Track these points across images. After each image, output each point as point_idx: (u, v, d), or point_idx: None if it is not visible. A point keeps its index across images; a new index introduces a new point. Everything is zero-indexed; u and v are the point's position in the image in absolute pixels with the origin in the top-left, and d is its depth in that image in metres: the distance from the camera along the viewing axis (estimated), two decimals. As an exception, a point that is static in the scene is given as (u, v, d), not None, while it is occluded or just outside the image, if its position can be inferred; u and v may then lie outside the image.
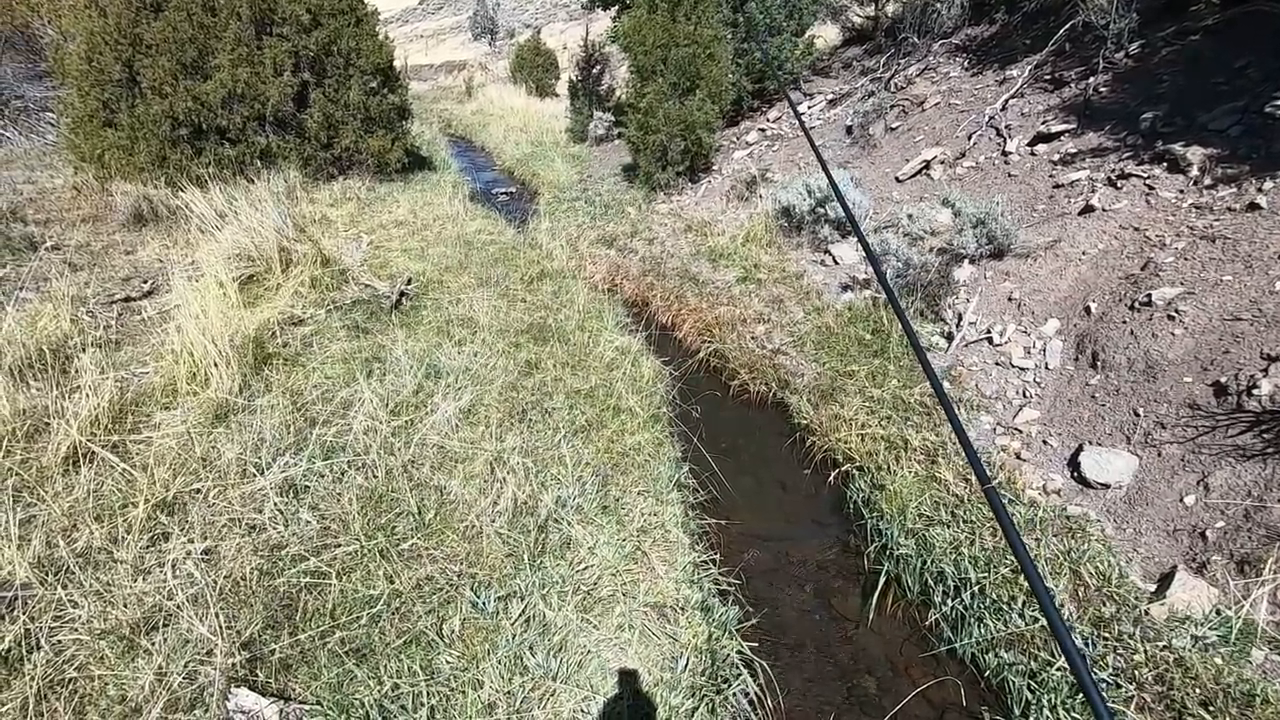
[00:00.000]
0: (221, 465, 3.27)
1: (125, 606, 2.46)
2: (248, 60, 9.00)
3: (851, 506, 3.84)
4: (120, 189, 7.86)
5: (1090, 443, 3.79)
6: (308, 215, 7.72)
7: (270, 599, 2.56)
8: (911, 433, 4.17)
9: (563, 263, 7.09)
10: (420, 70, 37.88)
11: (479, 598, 2.60)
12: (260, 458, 3.36)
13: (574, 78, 15.14)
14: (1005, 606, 2.93)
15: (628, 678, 2.41)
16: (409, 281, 5.91)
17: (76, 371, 3.88)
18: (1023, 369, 4.54)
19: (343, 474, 3.31)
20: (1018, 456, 3.93)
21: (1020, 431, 4.11)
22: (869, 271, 6.10)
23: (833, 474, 4.12)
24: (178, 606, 2.44)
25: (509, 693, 2.31)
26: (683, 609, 2.76)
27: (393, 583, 2.65)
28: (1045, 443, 3.97)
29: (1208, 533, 3.09)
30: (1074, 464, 3.75)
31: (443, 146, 14.93)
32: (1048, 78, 7.25)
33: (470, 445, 3.60)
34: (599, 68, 15.34)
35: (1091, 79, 6.65)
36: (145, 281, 5.77)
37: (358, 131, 9.82)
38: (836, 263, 6.69)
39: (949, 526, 3.40)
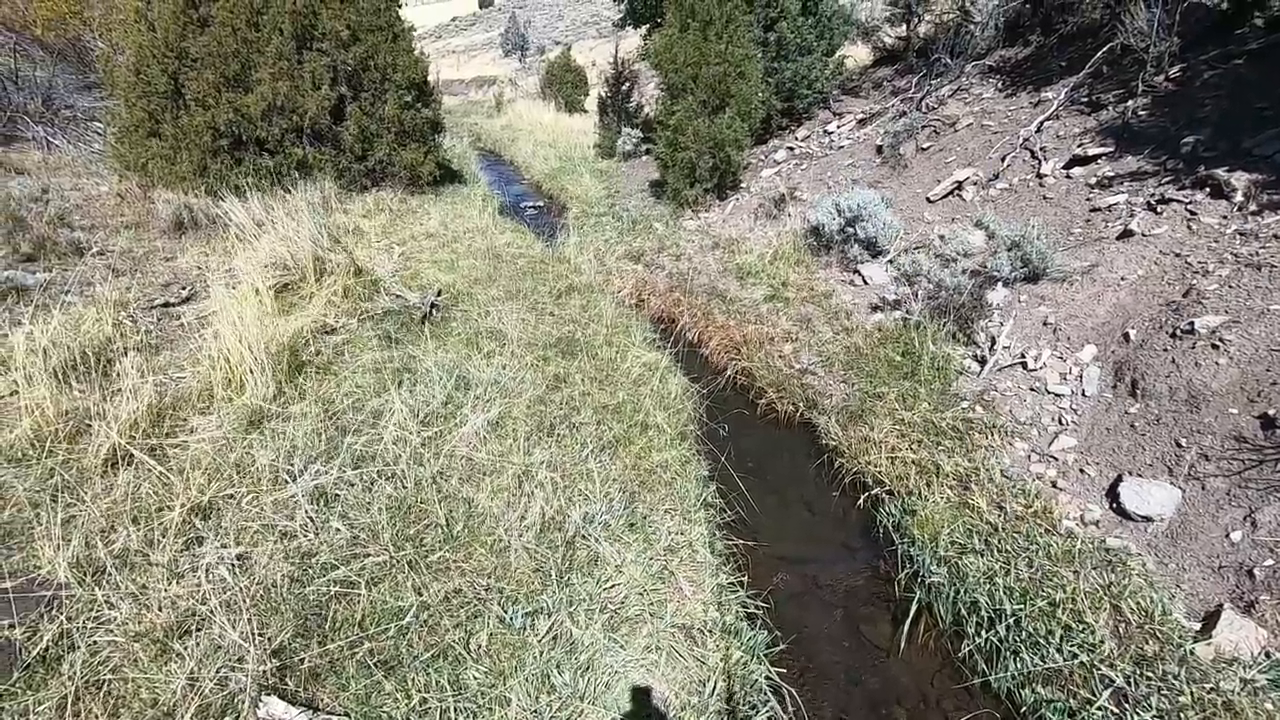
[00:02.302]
0: (255, 471, 3.32)
1: (160, 610, 2.48)
2: (288, 74, 9.22)
3: (881, 531, 3.77)
4: (162, 197, 8.06)
5: (1130, 473, 3.70)
6: (341, 226, 7.85)
7: (301, 607, 2.57)
8: (943, 458, 4.10)
9: (590, 277, 7.12)
10: (451, 85, 38.54)
11: (507, 613, 2.59)
12: (293, 465, 3.40)
13: (603, 94, 15.30)
14: (1043, 640, 2.84)
15: (655, 700, 2.38)
16: (439, 293, 5.98)
17: (118, 375, 3.97)
18: (1059, 395, 4.45)
19: (372, 483, 3.33)
20: (1054, 485, 3.84)
21: (1056, 459, 4.02)
22: (899, 292, 6.05)
23: (862, 497, 4.06)
24: (211, 611, 2.46)
25: (536, 712, 2.29)
26: (711, 631, 2.72)
27: (421, 595, 2.65)
28: (1082, 471, 3.87)
29: (1256, 571, 2.99)
30: (1113, 494, 3.65)
31: (473, 160, 15.14)
32: (1084, 100, 7.16)
33: (498, 458, 3.61)
34: (628, 85, 15.48)
35: (1130, 102, 6.56)
36: (184, 288, 5.90)
37: (391, 144, 10.00)
38: (866, 283, 6.64)
39: (982, 555, 3.33)
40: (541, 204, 12.46)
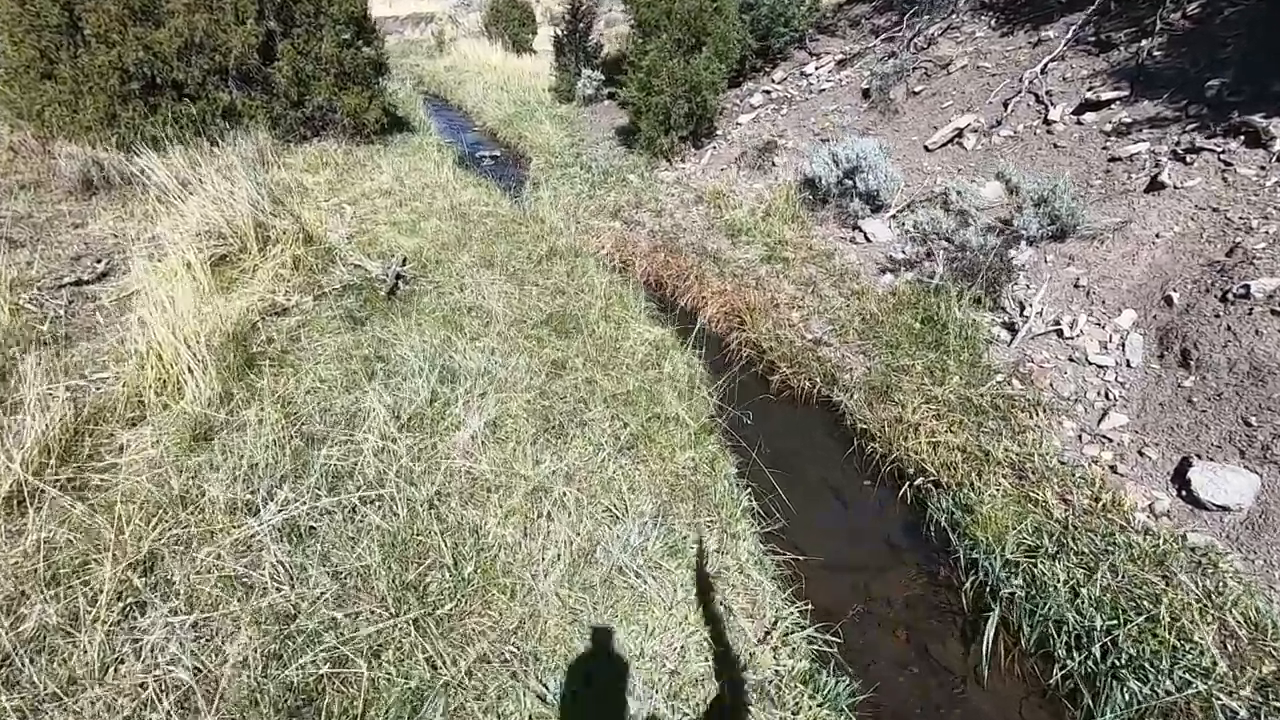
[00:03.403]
0: (206, 504, 2.69)
1: None
2: (205, 5, 8.03)
3: (932, 529, 3.40)
4: (65, 151, 6.95)
5: (1198, 456, 3.39)
6: (282, 183, 6.93)
7: (283, 696, 2.02)
8: (989, 441, 3.73)
9: (571, 238, 6.46)
10: (385, 22, 35.81)
11: (547, 688, 2.10)
12: (254, 491, 2.78)
13: (559, 33, 14.18)
14: (1148, 665, 2.51)
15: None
16: (404, 262, 5.26)
17: (19, 380, 3.21)
18: (1101, 367, 4.11)
19: (355, 511, 2.74)
20: (1113, 470, 3.52)
21: (1110, 440, 3.70)
22: (908, 251, 5.61)
23: (904, 488, 3.68)
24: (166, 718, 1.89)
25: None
26: (786, 683, 2.29)
27: (437, 668, 2.13)
28: (1142, 454, 3.56)
29: (1364, 570, 2.71)
30: (1181, 480, 3.35)
31: (418, 105, 13.92)
32: (1091, 39, 6.73)
33: (503, 469, 3.06)
34: (585, 22, 14.38)
35: (1144, 41, 6.15)
36: (99, 261, 5.02)
37: (331, 88, 8.92)
38: (869, 240, 6.18)
39: (1057, 559, 2.98)
40: (499, 154, 11.52)
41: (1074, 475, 3.43)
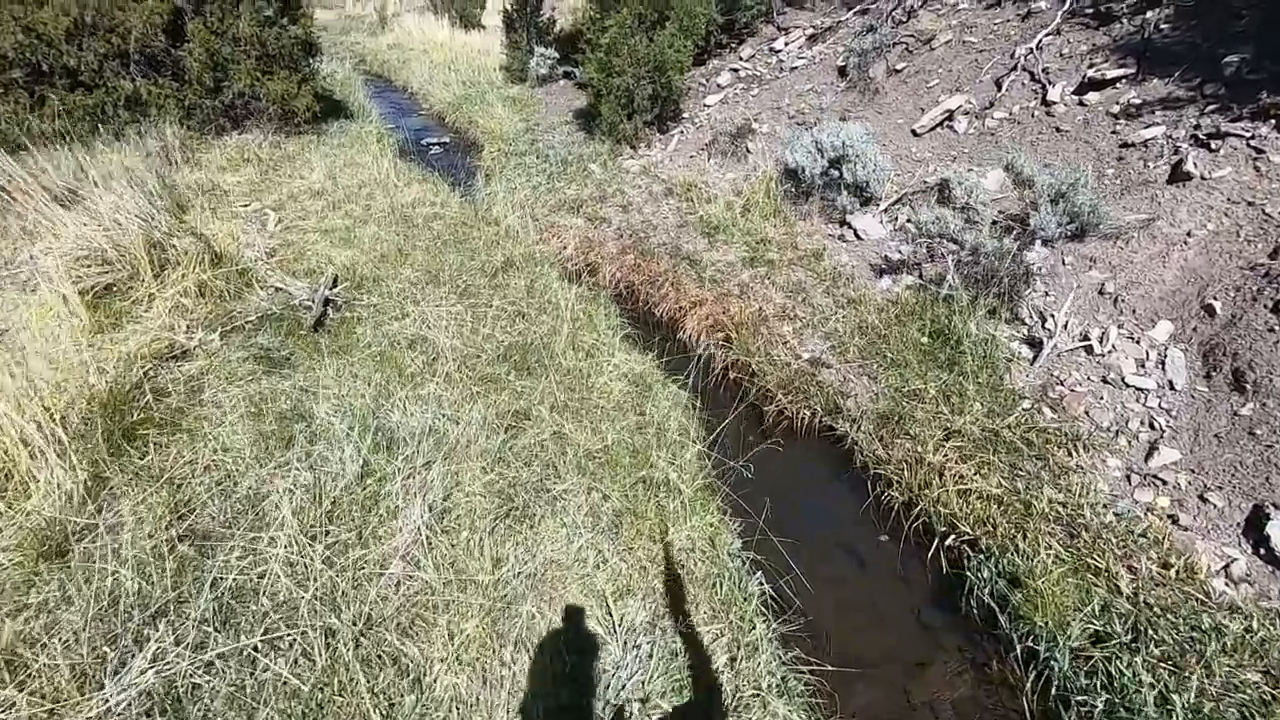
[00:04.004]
0: (45, 669, 1.98)
1: None
2: (96, -21, 6.98)
3: (974, 604, 2.86)
4: (-72, 153, 5.94)
5: (1274, 505, 2.91)
6: (193, 184, 6.03)
7: None
8: (1028, 488, 3.21)
9: (529, 243, 5.74)
10: (324, -4, 33.99)
11: None
12: (116, 636, 2.07)
13: (509, 8, 13.21)
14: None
15: None
16: (335, 282, 4.50)
17: None
18: (1141, 390, 3.62)
19: (255, 661, 2.07)
20: (1174, 521, 3.03)
21: (1164, 482, 3.21)
22: (905, 251, 5.06)
23: (933, 547, 3.13)
24: None
25: None
26: None
27: None
28: (1204, 500, 3.07)
29: None
30: (1254, 532, 2.88)
31: (359, 88, 12.84)
32: (1089, 11, 6.22)
33: (455, 576, 2.40)
34: (537, -5, 13.42)
35: (1150, 13, 5.65)
36: (-43, 292, 4.15)
37: (253, 72, 7.94)
38: (860, 238, 5.62)
39: (1137, 652, 2.47)
40: (447, 141, 10.63)
41: (1134, 533, 2.92)
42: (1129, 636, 2.53)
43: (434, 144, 10.33)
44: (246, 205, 5.74)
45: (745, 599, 2.61)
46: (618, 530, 2.74)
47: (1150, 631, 2.52)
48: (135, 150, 6.08)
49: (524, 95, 11.99)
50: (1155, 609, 2.60)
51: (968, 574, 2.97)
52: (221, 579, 2.32)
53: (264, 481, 2.75)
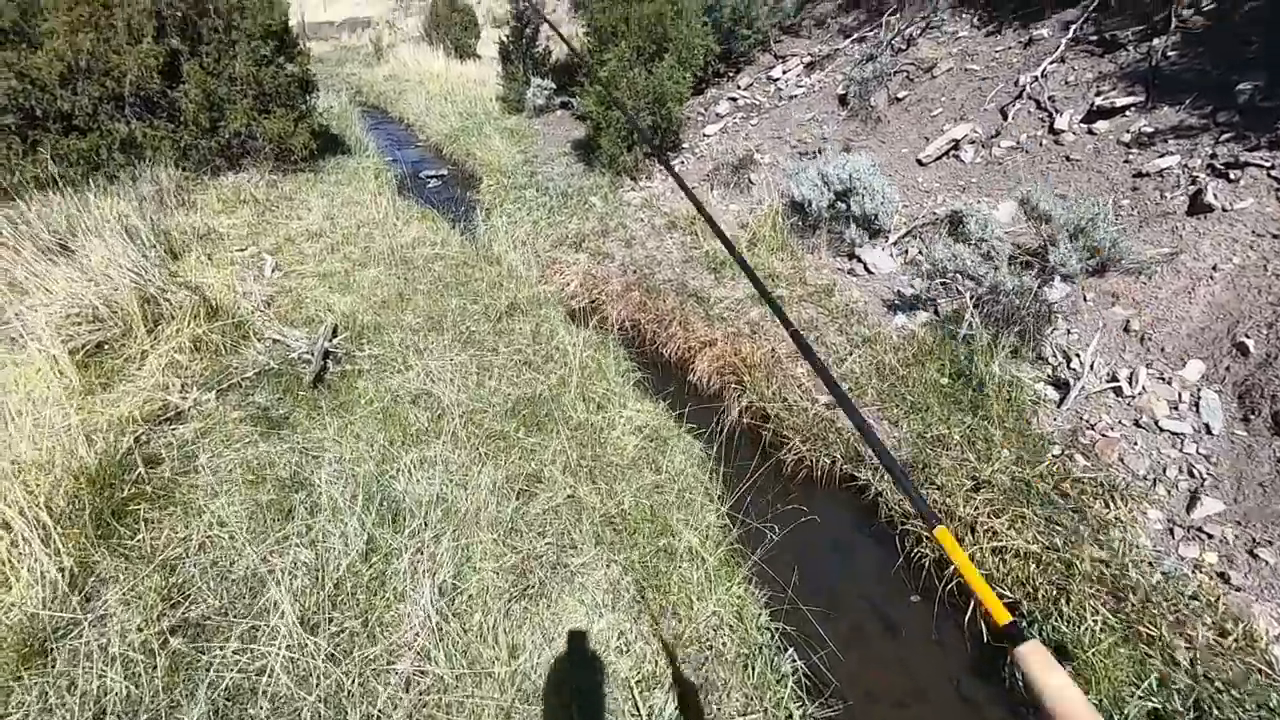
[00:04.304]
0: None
1: None
2: (91, 23, 6.94)
3: (1019, 677, 2.67)
4: (-82, 203, 5.82)
5: (1331, 563, 2.76)
6: (189, 228, 5.92)
7: None
8: (1067, 545, 3.05)
9: (532, 283, 5.61)
10: (320, 28, 34.33)
11: None
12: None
13: (504, 39, 13.25)
14: None
15: None
16: (335, 332, 4.36)
17: None
18: (1176, 434, 3.48)
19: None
20: (1224, 579, 2.87)
21: (1209, 536, 3.05)
22: (918, 285, 4.94)
23: (969, 611, 2.97)
24: None
25: None
26: None
27: None
28: (1255, 556, 2.92)
29: None
30: (1312, 594, 2.72)
31: (355, 120, 12.81)
32: (1093, 39, 6.17)
33: (468, 667, 2.23)
34: (532, 27, 13.47)
35: (1156, 40, 5.59)
36: (-56, 351, 4.00)
37: (249, 112, 7.87)
38: (870, 272, 5.51)
39: (1200, 733, 2.29)
40: (445, 173, 10.57)
41: (1184, 594, 2.76)
42: (1192, 716, 2.36)
43: (432, 177, 10.27)
44: (243, 250, 5.63)
45: (779, 681, 2.44)
46: (641, 604, 2.57)
47: (1214, 710, 2.35)
48: (129, 195, 5.96)
49: (521, 126, 11.97)
50: (1216, 684, 2.43)
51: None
52: (218, 679, 2.15)
53: (262, 560, 2.59)
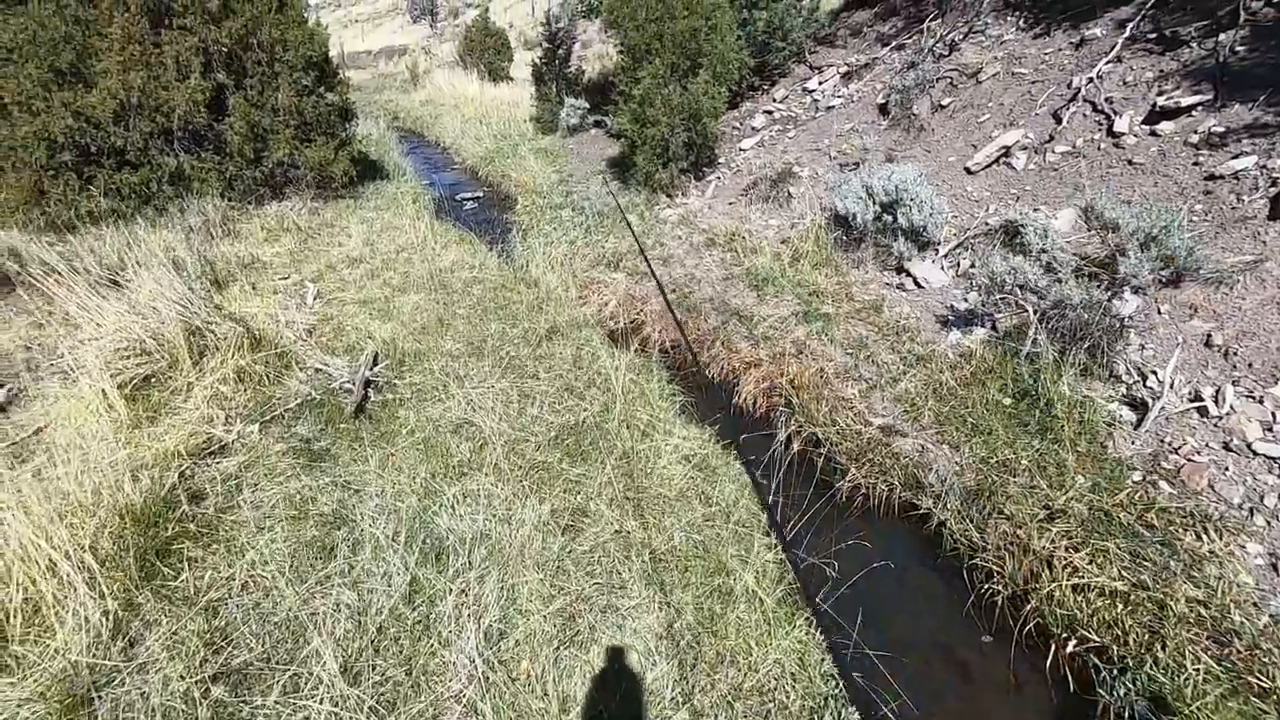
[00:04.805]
0: None
1: None
2: (142, 61, 7.14)
3: (1119, 730, 2.45)
4: (-20, 239, 6.03)
5: None
6: (233, 258, 6.00)
7: None
8: (1158, 583, 2.80)
9: (572, 306, 5.54)
10: (358, 57, 35.47)
11: None
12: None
13: (537, 60, 13.37)
14: None
15: None
16: (375, 360, 4.32)
17: None
18: (1273, 460, 3.20)
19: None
20: (1341, 623, 2.59)
21: (1320, 572, 2.77)
22: (972, 300, 4.71)
23: (1051, 654, 2.74)
24: None
25: None
26: None
27: None
28: (1375, 596, 2.63)
29: None
30: None
31: (393, 145, 13.05)
32: (1151, 36, 5.89)
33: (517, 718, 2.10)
34: (564, 48, 13.58)
35: (1223, 36, 5.29)
36: (1, 384, 4.08)
37: (291, 141, 8.03)
38: (920, 286, 5.29)
39: (1333, 804, 2.04)
40: (481, 194, 10.64)
41: (1296, 639, 2.49)
42: (1319, 783, 2.11)
43: (468, 199, 10.34)
44: (285, 278, 5.68)
45: (847, 737, 2.26)
46: (697, 651, 2.42)
47: (1346, 777, 2.09)
48: (177, 226, 6.08)
49: (555, 146, 12.02)
50: (1345, 745, 2.17)
51: (1099, 690, 2.57)
52: (256, 735, 2.06)
53: (304, 603, 2.51)
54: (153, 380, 3.90)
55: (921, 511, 3.56)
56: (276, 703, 2.18)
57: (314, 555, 2.77)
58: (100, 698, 2.17)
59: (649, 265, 2.95)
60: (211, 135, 7.74)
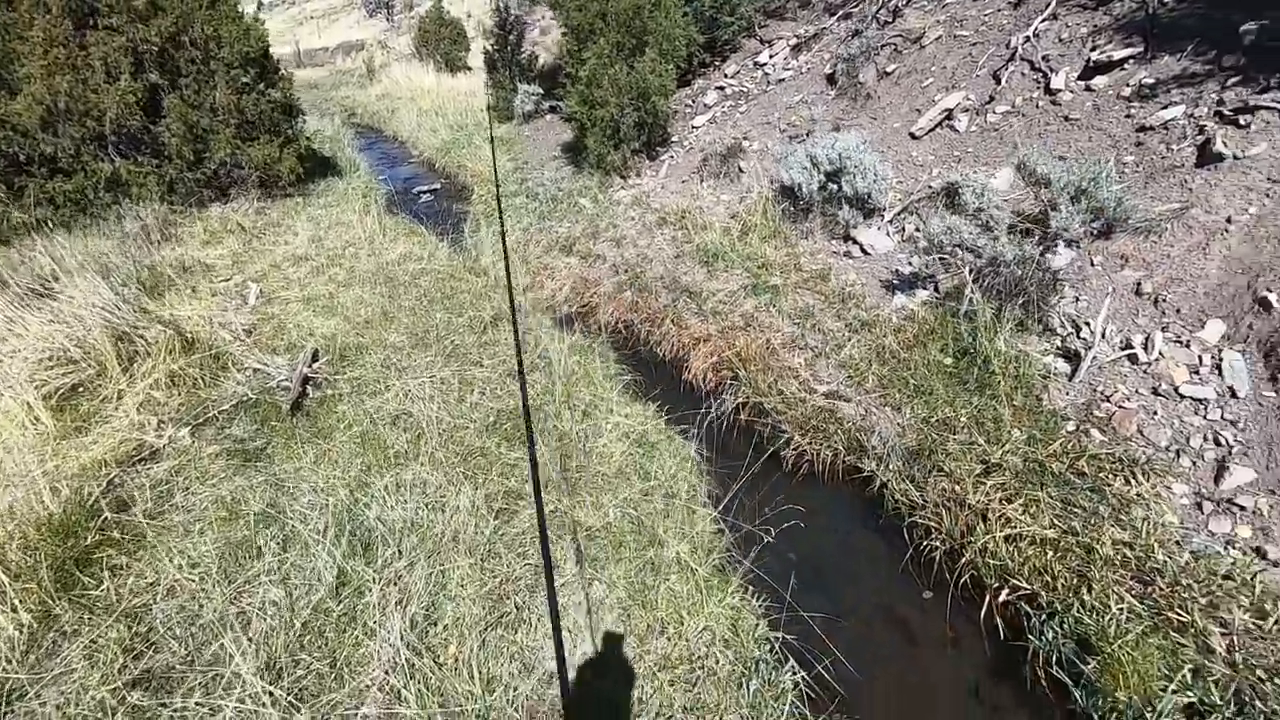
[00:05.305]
0: None
1: None
2: (68, 64, 6.92)
3: (1040, 673, 2.49)
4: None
5: (1377, 530, 2.52)
6: (174, 262, 5.86)
7: None
8: (1086, 529, 2.84)
9: (519, 292, 5.48)
10: (315, 54, 34.66)
11: None
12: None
13: (489, 48, 13.17)
14: None
15: None
16: (315, 357, 4.25)
17: None
18: (1199, 400, 3.25)
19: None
20: (1261, 555, 2.65)
21: (1241, 508, 2.83)
22: (916, 263, 4.73)
23: (985, 605, 2.78)
24: None
25: None
26: None
27: None
28: (1292, 527, 2.69)
29: None
30: (1359, 566, 2.49)
31: (348, 142, 12.81)
32: (1084, -8, 5.90)
33: (440, 710, 2.09)
34: (515, 33, 13.37)
35: (1151, -13, 5.32)
36: (-74, 404, 3.95)
37: (233, 141, 7.83)
38: (866, 253, 5.30)
39: (1244, 729, 2.09)
40: (438, 187, 10.50)
41: (1217, 574, 2.54)
42: (1232, 709, 2.15)
43: (424, 192, 10.19)
44: (227, 280, 5.56)
45: (778, 697, 2.27)
46: (627, 622, 2.41)
47: (1258, 703, 2.14)
48: (112, 233, 5.93)
49: (511, 133, 11.88)
50: (1259, 671, 2.22)
51: (1029, 637, 2.61)
52: (173, 736, 2.03)
53: (230, 602, 2.47)
54: (81, 389, 3.80)
55: (865, 474, 3.58)
56: (198, 703, 2.14)
57: (243, 555, 2.73)
58: (14, 711, 2.12)
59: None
60: (148, 138, 7.53)
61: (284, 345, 4.52)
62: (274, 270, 5.90)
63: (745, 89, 9.19)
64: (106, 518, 2.88)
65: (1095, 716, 2.30)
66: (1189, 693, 2.22)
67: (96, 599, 2.53)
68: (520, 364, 1.73)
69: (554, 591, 1.29)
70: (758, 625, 2.55)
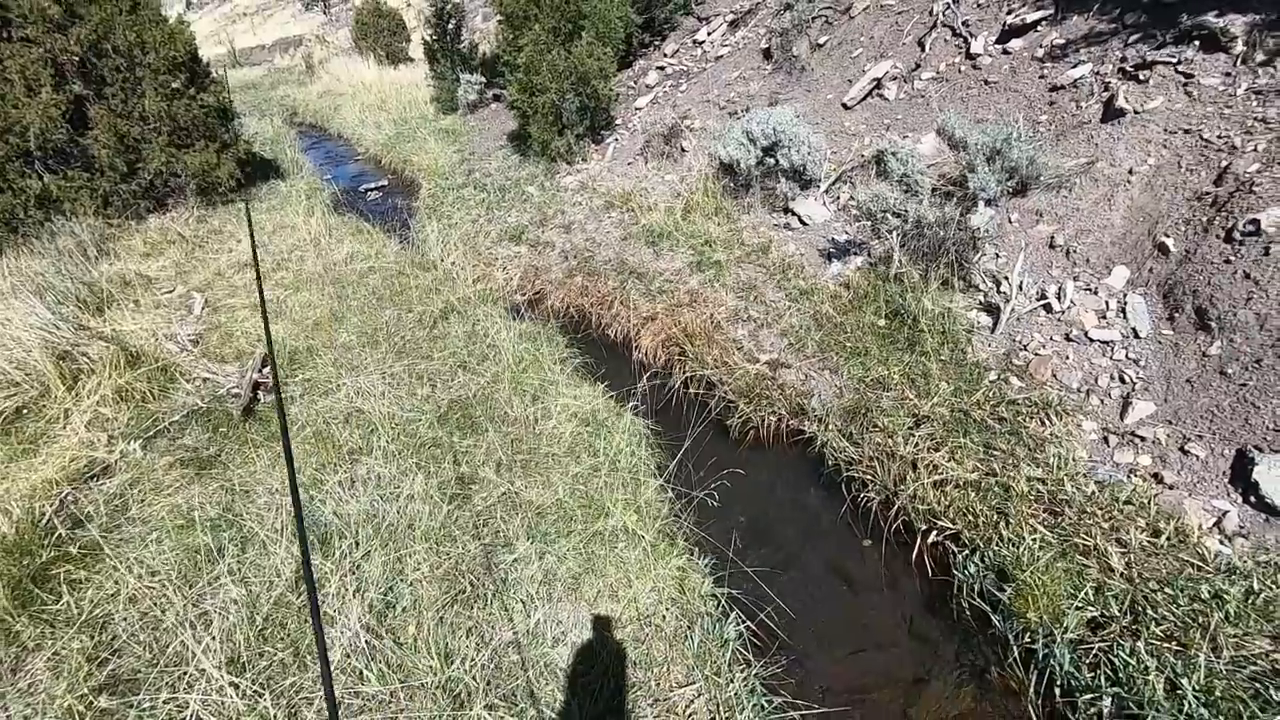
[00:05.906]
0: None
1: None
2: (-16, 80, 6.69)
3: (964, 604, 2.70)
4: None
5: (1256, 448, 2.77)
6: (114, 277, 5.77)
7: None
8: (1005, 469, 3.05)
9: (468, 284, 5.53)
10: (251, 53, 33.60)
11: None
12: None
13: (428, 38, 12.98)
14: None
15: None
16: (265, 362, 4.28)
17: None
18: (1106, 343, 3.48)
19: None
20: (1158, 480, 2.88)
21: (1142, 439, 3.06)
22: (852, 230, 4.91)
23: (916, 547, 2.97)
24: None
25: None
26: None
27: None
28: (1186, 452, 2.93)
29: None
30: (1244, 480, 2.73)
31: (290, 142, 12.55)
32: (999, -44, 6.09)
33: (403, 679, 2.20)
34: (454, 22, 13.19)
35: (1059, -51, 5.52)
36: None
37: (167, 149, 7.66)
38: (805, 224, 5.46)
39: (1139, 635, 2.31)
40: (385, 183, 10.39)
41: (1119, 501, 2.77)
42: (1128, 619, 2.38)
43: (372, 189, 10.09)
44: (170, 291, 5.51)
45: (721, 646, 2.43)
46: (577, 590, 2.55)
47: (1149, 610, 2.36)
48: (47, 251, 5.81)
49: (456, 125, 11.77)
50: (1151, 583, 2.45)
51: (954, 572, 2.81)
52: (140, 734, 2.11)
53: (193, 604, 2.54)
54: (25, 411, 3.79)
55: (806, 436, 3.76)
56: (166, 701, 2.23)
57: (202, 560, 2.79)
58: (-19, 727, 2.18)
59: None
60: (77, 151, 7.34)
61: (232, 353, 4.52)
62: (218, 279, 5.85)
63: (685, 68, 9.25)
64: (60, 535, 2.91)
65: (1011, 637, 2.51)
66: (1090, 608, 2.44)
67: (57, 613, 2.58)
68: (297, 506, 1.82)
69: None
70: (703, 583, 2.71)
